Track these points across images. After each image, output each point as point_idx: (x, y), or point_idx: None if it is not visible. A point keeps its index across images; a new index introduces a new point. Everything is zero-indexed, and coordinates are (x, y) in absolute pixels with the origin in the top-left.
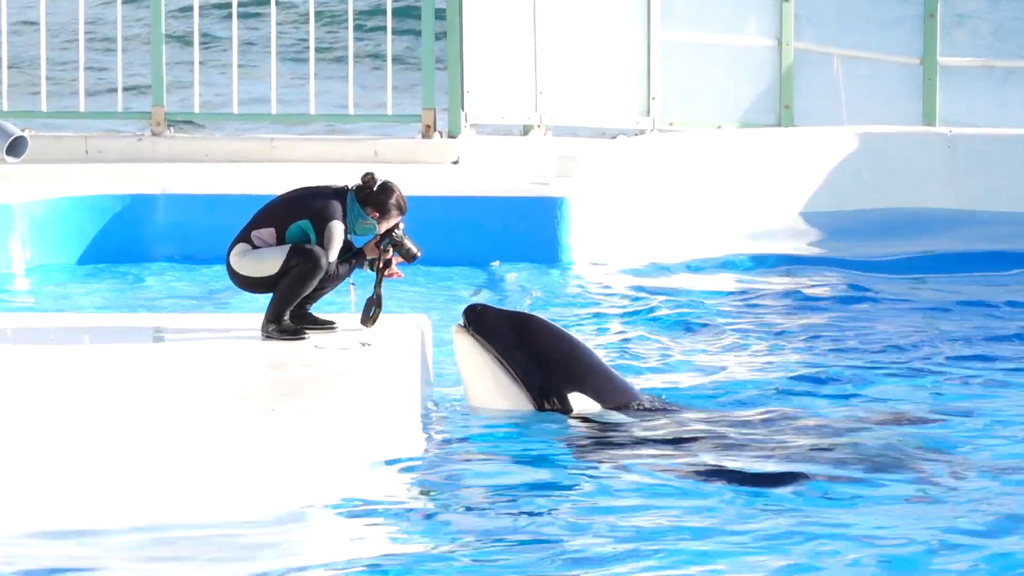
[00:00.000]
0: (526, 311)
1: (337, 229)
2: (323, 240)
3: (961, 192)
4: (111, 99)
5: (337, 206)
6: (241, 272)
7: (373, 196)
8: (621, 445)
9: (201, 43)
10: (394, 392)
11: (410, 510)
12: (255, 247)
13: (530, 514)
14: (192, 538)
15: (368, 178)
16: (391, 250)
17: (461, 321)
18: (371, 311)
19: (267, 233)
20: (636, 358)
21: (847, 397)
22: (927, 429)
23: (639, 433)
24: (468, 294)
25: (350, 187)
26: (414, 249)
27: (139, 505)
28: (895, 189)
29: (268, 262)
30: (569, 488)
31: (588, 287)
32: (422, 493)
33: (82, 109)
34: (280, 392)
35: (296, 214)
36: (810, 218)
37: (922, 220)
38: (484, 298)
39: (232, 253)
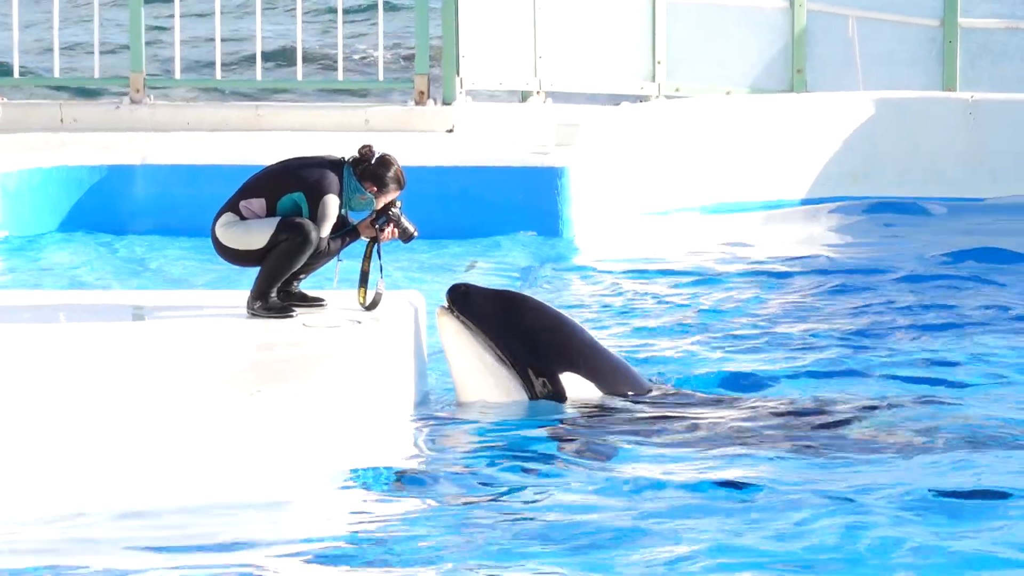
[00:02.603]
0: (515, 289)
1: (332, 203)
2: (316, 214)
3: (983, 162)
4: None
5: (334, 179)
6: (226, 243)
7: (371, 169)
8: (619, 432)
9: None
10: (386, 372)
11: (399, 495)
12: (243, 218)
13: (524, 502)
14: (174, 522)
15: (366, 150)
16: (387, 228)
17: (445, 302)
18: (363, 290)
19: (257, 204)
20: (639, 338)
21: (860, 383)
22: (948, 411)
23: (638, 419)
24: (463, 268)
25: (347, 159)
26: (411, 228)
27: (121, 489)
28: (913, 158)
29: (255, 235)
30: (564, 479)
31: (589, 262)
32: (412, 478)
33: (56, 75)
34: (266, 373)
35: (289, 185)
36: (823, 188)
37: (941, 193)
38: (478, 273)
39: (218, 223)
